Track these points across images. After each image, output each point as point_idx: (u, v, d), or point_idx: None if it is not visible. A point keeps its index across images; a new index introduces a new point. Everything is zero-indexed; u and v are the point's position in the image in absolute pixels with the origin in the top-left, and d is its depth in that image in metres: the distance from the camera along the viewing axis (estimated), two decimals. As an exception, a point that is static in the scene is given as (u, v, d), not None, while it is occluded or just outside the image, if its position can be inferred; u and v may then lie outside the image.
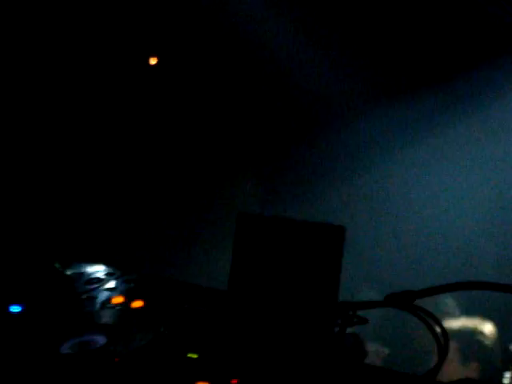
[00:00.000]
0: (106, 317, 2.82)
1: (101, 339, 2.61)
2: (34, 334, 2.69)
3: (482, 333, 5.87)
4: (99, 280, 3.05)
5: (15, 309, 2.83)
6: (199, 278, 4.19)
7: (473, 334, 5.83)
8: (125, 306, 2.89)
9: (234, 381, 2.34)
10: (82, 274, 3.12)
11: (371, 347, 5.69)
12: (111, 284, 3.04)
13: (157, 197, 8.27)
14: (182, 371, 2.44)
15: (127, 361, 2.52)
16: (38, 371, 2.53)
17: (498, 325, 6.10)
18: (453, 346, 5.27)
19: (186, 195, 8.51)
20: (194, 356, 2.52)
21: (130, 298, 2.92)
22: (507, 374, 5.54)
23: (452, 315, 6.44)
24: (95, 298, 2.94)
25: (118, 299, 2.93)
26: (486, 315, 6.11)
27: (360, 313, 2.70)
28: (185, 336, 2.65)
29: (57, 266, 3.05)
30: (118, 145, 8.29)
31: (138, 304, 2.89)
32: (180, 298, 2.89)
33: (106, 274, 3.13)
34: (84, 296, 2.94)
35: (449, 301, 6.62)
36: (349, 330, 2.66)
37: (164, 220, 8.08)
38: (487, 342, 5.79)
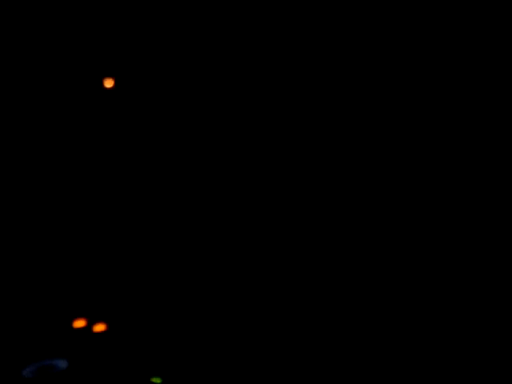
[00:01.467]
0: (68, 341, 2.79)
1: (62, 363, 2.58)
2: (-6, 359, 2.65)
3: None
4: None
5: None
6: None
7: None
8: (87, 329, 2.86)
9: (198, 406, 2.32)
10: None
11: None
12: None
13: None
14: (145, 396, 2.42)
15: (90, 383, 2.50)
16: (-2, 396, 2.49)
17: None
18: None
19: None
20: (158, 381, 2.50)
21: (92, 321, 2.90)
22: None
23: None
24: (57, 320, 2.91)
25: (80, 323, 2.90)
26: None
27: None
28: (148, 360, 2.63)
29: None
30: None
31: (100, 328, 2.86)
32: (143, 322, 2.87)
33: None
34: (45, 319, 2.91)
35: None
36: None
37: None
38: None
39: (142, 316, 2.90)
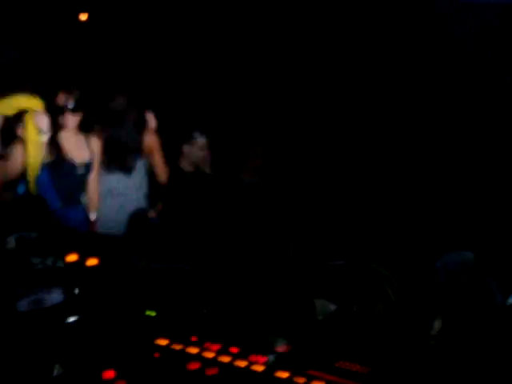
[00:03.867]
0: (61, 274, 2.79)
1: (57, 296, 2.59)
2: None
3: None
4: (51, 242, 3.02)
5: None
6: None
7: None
8: (79, 263, 2.87)
9: (194, 338, 2.35)
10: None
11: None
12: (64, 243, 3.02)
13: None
14: (140, 329, 2.44)
15: (85, 318, 2.51)
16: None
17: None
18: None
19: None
20: (153, 313, 2.52)
21: (84, 255, 2.90)
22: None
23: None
24: (49, 256, 2.91)
25: (72, 257, 2.91)
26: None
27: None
28: (141, 294, 2.64)
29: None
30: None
31: (92, 262, 2.87)
32: (135, 256, 2.88)
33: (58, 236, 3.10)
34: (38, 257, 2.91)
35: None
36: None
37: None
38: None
39: (136, 250, 2.91)
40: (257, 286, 2.62)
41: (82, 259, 2.88)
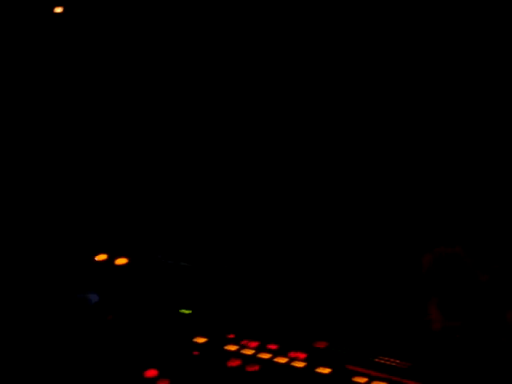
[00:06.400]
0: (93, 275, 2.82)
1: (94, 297, 2.62)
2: (29, 296, 2.68)
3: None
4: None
5: None
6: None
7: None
8: (109, 263, 2.90)
9: (231, 335, 2.38)
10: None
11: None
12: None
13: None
14: (176, 328, 2.48)
15: (120, 318, 2.55)
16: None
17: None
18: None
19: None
20: (187, 312, 2.56)
21: (113, 255, 2.93)
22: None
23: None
24: (79, 254, 2.94)
25: (101, 257, 2.94)
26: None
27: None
28: (174, 292, 2.68)
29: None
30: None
31: (121, 261, 2.90)
32: (164, 253, 2.91)
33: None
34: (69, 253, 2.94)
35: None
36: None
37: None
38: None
39: (168, 250, 2.93)
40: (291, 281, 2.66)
41: (111, 258, 2.91)
